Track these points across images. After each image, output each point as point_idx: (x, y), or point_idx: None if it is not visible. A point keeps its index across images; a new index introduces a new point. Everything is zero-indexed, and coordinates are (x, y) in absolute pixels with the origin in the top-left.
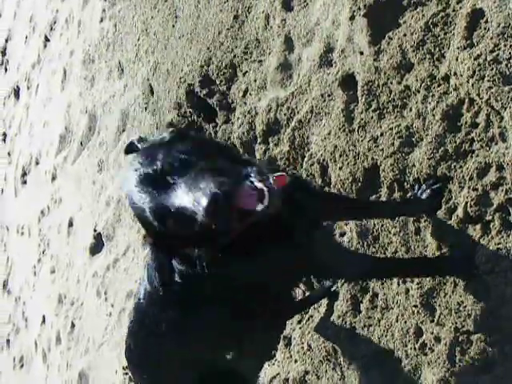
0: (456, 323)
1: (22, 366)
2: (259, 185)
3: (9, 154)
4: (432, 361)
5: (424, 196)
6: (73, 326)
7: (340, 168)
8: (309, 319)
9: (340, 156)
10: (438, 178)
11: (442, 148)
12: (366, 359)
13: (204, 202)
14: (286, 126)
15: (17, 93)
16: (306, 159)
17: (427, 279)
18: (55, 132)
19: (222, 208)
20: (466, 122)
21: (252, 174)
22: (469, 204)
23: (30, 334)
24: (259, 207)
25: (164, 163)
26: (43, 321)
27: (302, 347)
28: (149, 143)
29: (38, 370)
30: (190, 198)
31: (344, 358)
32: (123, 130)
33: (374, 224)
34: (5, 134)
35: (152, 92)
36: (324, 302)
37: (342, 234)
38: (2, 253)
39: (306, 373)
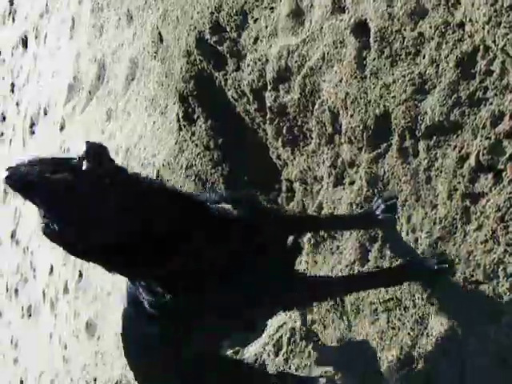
0: (465, 273)
1: (30, 315)
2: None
3: (17, 104)
4: (440, 310)
5: (378, 211)
6: (80, 275)
7: (351, 115)
8: (315, 269)
9: (351, 103)
10: (393, 196)
11: (456, 95)
12: (373, 307)
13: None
14: (296, 73)
15: (25, 43)
16: (316, 107)
17: (438, 227)
18: (64, 81)
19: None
20: (480, 70)
21: None
22: (481, 153)
23: (38, 284)
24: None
25: None
26: (51, 271)
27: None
28: None
29: (45, 319)
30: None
31: (351, 307)
32: (132, 79)
33: (384, 171)
34: (13, 85)
35: (161, 40)
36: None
37: (352, 183)
38: (10, 203)
39: (313, 322)
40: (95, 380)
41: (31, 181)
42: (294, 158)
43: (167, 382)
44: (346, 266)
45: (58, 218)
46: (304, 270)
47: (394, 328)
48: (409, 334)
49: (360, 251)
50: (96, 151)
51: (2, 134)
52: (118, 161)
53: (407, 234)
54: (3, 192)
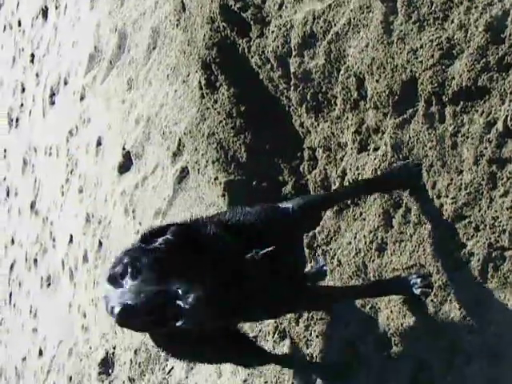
0: (490, 239)
1: (48, 284)
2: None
3: (37, 75)
4: (464, 277)
5: (415, 287)
6: (100, 244)
7: (377, 81)
8: (338, 235)
9: (377, 69)
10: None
11: (484, 60)
12: (396, 274)
13: (115, 311)
14: (322, 38)
15: (45, 13)
16: (341, 72)
17: (463, 194)
18: (84, 52)
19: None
20: (509, 34)
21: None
22: (509, 117)
23: (57, 254)
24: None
25: (121, 268)
26: (70, 240)
27: (332, 262)
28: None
29: (64, 288)
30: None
31: (374, 274)
32: (154, 48)
33: (410, 137)
34: (33, 55)
35: (184, 8)
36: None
37: (376, 149)
38: (29, 174)
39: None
40: (114, 348)
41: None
42: (318, 125)
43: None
44: (370, 232)
45: None
46: (326, 236)
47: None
48: (432, 300)
49: (384, 217)
50: None
51: (22, 105)
52: (139, 130)
53: (432, 200)
54: (22, 163)
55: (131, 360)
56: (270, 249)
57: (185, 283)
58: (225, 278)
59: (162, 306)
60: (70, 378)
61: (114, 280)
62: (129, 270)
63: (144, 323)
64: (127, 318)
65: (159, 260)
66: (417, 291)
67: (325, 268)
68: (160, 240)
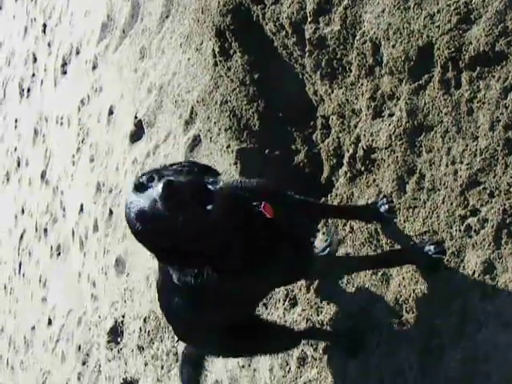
0: (504, 205)
1: (58, 254)
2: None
3: (49, 44)
4: (477, 243)
5: (382, 209)
6: (111, 213)
7: (393, 46)
8: (351, 202)
9: (394, 34)
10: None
11: (502, 25)
12: (408, 241)
13: (159, 188)
14: (337, 4)
15: None
16: (357, 38)
17: (478, 160)
18: (97, 20)
19: (175, 193)
20: None
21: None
22: None
23: (67, 223)
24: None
25: (147, 176)
26: (81, 209)
27: (344, 229)
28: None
29: (74, 257)
30: (149, 195)
31: (386, 240)
32: (167, 16)
33: (425, 103)
34: (45, 25)
35: None
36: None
37: (391, 115)
38: (40, 144)
39: (348, 255)
40: (123, 316)
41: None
42: (332, 92)
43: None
44: (384, 197)
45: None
46: (339, 203)
47: None
48: (444, 267)
49: (397, 183)
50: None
51: (34, 75)
52: (152, 99)
53: (446, 166)
54: (33, 133)
55: (140, 328)
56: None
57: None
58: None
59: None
60: (79, 346)
61: (141, 187)
62: (155, 176)
63: (184, 201)
64: (174, 189)
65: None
66: (431, 258)
67: (336, 238)
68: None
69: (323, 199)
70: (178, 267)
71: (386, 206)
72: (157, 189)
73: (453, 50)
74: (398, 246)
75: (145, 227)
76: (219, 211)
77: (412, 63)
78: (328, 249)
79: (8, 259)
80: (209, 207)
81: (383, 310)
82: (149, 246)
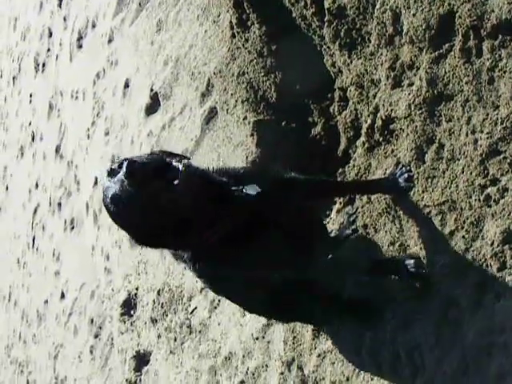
0: None
1: (72, 228)
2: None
3: (64, 19)
4: (496, 213)
5: (401, 179)
6: None
7: (414, 15)
8: (368, 173)
9: (414, 2)
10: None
11: None
12: (426, 211)
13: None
14: None
15: None
16: (377, 7)
17: (498, 129)
18: None
19: (137, 169)
20: None
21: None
22: None
23: (81, 197)
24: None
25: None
26: (95, 182)
27: (361, 199)
28: None
29: (88, 231)
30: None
31: (404, 211)
32: None
33: (445, 72)
34: None
35: None
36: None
37: (411, 85)
38: (55, 118)
39: (364, 226)
40: (137, 289)
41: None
42: (351, 62)
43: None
44: (402, 167)
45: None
46: (356, 174)
47: (448, 231)
48: (463, 237)
49: (416, 153)
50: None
51: (49, 49)
52: (168, 71)
53: (466, 136)
54: (48, 108)
55: (154, 301)
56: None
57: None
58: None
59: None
60: (92, 320)
61: (112, 173)
62: (124, 162)
63: (146, 179)
64: (134, 169)
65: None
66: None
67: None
68: None
69: (340, 170)
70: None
71: (405, 176)
72: (122, 169)
73: (474, 18)
74: (415, 217)
75: (118, 209)
76: (185, 186)
77: (433, 32)
78: (347, 231)
79: (21, 233)
80: (175, 182)
81: (399, 280)
82: (127, 229)
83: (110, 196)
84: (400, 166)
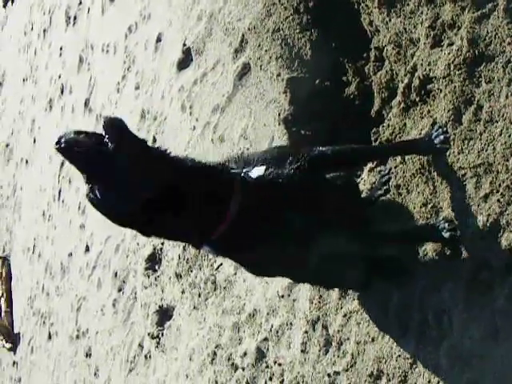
0: None
1: None
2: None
3: None
4: None
5: (437, 140)
6: (154, 140)
7: None
8: (403, 133)
9: None
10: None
11: None
12: (462, 172)
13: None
14: None
15: None
16: None
17: None
18: None
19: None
20: None
21: None
22: None
23: None
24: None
25: None
26: None
27: (395, 159)
28: None
29: None
30: None
31: (438, 172)
32: None
33: (487, 32)
34: None
35: None
36: None
37: (451, 44)
38: (85, 72)
39: (397, 186)
40: (162, 244)
41: (78, 151)
42: (390, 21)
43: None
44: (439, 128)
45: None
46: (391, 134)
47: (482, 194)
48: (498, 200)
49: (453, 113)
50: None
51: (81, 2)
52: (201, 26)
53: (506, 98)
54: (78, 61)
55: (179, 256)
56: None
57: None
58: None
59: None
60: (116, 273)
61: None
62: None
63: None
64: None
65: None
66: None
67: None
68: None
69: (374, 129)
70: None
71: (441, 137)
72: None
73: None
74: (449, 179)
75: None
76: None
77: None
78: (379, 191)
79: (47, 186)
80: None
81: (430, 243)
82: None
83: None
84: (436, 126)
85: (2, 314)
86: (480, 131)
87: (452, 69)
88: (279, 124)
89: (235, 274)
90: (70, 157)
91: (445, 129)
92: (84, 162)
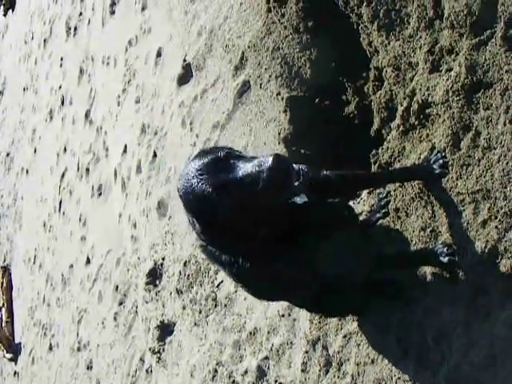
0: None
1: (100, 194)
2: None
3: None
4: None
5: (436, 165)
6: (155, 155)
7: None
8: (402, 157)
9: None
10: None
11: None
12: (460, 198)
13: (269, 160)
14: None
15: None
16: None
17: None
18: None
19: (283, 167)
20: None
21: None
22: None
23: (109, 164)
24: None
25: (224, 153)
26: (124, 150)
27: (394, 183)
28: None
29: (115, 198)
30: (254, 164)
31: (437, 197)
32: None
33: (485, 59)
34: None
35: None
36: None
37: (449, 70)
38: (86, 83)
39: (396, 210)
40: (163, 259)
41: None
42: (389, 43)
43: None
44: (438, 153)
45: None
46: (390, 156)
47: (480, 220)
48: (496, 226)
49: (452, 139)
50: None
51: (81, 13)
52: (201, 42)
53: (504, 125)
54: (79, 72)
55: (180, 272)
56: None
57: None
58: None
59: None
60: (117, 287)
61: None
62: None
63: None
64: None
65: None
66: (444, 259)
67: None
68: None
69: (373, 152)
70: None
71: (440, 162)
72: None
73: None
74: (448, 204)
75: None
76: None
77: (474, 18)
78: (378, 214)
79: (48, 197)
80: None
81: (429, 267)
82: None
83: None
84: (435, 151)
85: (3, 324)
86: (478, 157)
87: (450, 95)
88: (279, 143)
89: (235, 291)
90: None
91: (443, 153)
92: None
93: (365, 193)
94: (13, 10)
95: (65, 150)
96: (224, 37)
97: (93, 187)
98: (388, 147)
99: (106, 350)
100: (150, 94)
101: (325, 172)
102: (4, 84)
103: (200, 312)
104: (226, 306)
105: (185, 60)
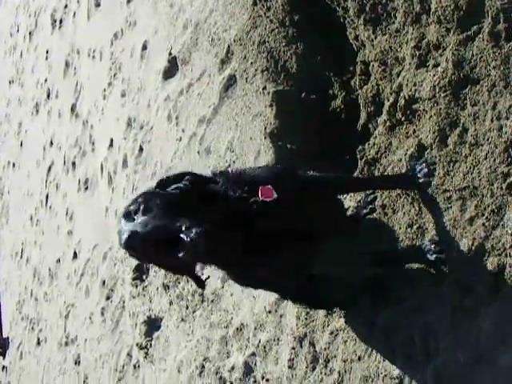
0: None
1: (86, 188)
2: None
3: None
4: None
5: (420, 174)
6: (141, 149)
7: None
8: (389, 152)
9: None
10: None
11: None
12: (447, 195)
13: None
14: None
15: None
16: None
17: None
18: None
19: (134, 245)
20: None
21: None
22: None
23: (96, 158)
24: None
25: (135, 206)
26: (111, 144)
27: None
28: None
29: (102, 192)
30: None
31: (423, 193)
32: None
33: (473, 55)
34: None
35: None
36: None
37: (436, 65)
38: (71, 77)
39: (383, 206)
40: None
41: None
42: (375, 38)
43: None
44: (424, 162)
45: None
46: (377, 152)
47: (467, 217)
48: (483, 224)
49: (439, 135)
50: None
51: (66, 6)
52: (187, 36)
53: (491, 121)
54: (64, 65)
55: None
56: (270, 199)
57: (189, 221)
58: (228, 222)
59: (165, 236)
60: (104, 281)
61: (128, 216)
62: (141, 207)
63: (147, 251)
64: (132, 243)
65: (170, 202)
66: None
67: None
68: (174, 186)
69: (360, 147)
70: None
71: (425, 170)
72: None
73: (505, 1)
74: (435, 200)
75: (131, 254)
76: (192, 254)
77: (461, 13)
78: (365, 210)
79: (35, 191)
80: (179, 255)
81: (417, 264)
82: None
83: (122, 240)
84: (421, 160)
85: None
86: (465, 154)
87: (437, 90)
88: (265, 138)
89: (222, 287)
90: None
91: (429, 161)
92: None
93: None
94: None
95: (51, 143)
96: (210, 30)
97: (79, 181)
98: (375, 143)
99: (93, 344)
100: (135, 87)
101: (313, 173)
102: None
103: (187, 307)
104: (212, 301)
105: (170, 53)
